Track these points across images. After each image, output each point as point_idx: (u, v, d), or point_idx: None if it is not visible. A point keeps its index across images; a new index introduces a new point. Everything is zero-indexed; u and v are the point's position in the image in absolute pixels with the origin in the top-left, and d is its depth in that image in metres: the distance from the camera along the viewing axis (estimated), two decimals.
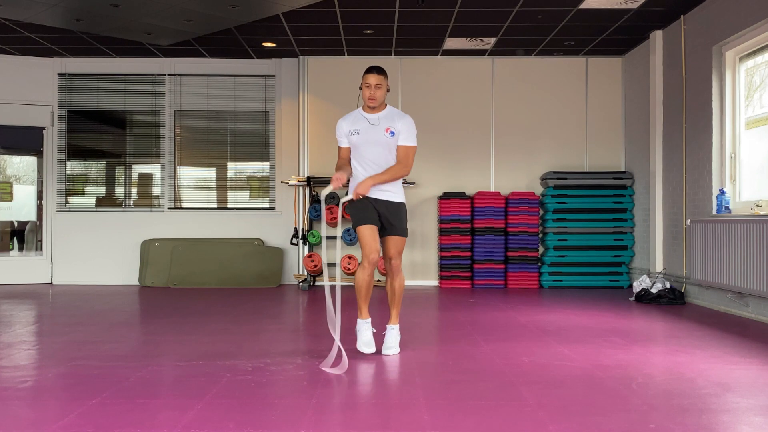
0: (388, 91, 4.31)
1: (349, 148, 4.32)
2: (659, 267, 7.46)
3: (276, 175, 8.94)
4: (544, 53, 8.58)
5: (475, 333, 4.97)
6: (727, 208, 6.17)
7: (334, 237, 8.53)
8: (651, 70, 7.64)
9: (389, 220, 4.24)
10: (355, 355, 4.13)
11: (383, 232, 4.28)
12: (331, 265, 8.49)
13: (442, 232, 8.39)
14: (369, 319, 4.27)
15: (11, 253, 9.31)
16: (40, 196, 9.19)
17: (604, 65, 8.74)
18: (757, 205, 5.83)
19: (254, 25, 7.37)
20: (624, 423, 2.83)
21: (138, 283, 8.78)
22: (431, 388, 3.44)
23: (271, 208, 8.98)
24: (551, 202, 8.30)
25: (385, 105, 4.33)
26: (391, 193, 4.25)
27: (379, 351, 4.24)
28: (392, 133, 4.21)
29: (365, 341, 4.20)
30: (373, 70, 4.24)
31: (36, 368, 3.91)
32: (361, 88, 4.25)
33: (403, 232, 4.29)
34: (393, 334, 4.32)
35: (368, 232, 4.19)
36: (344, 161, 4.34)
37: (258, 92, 9.00)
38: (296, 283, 8.68)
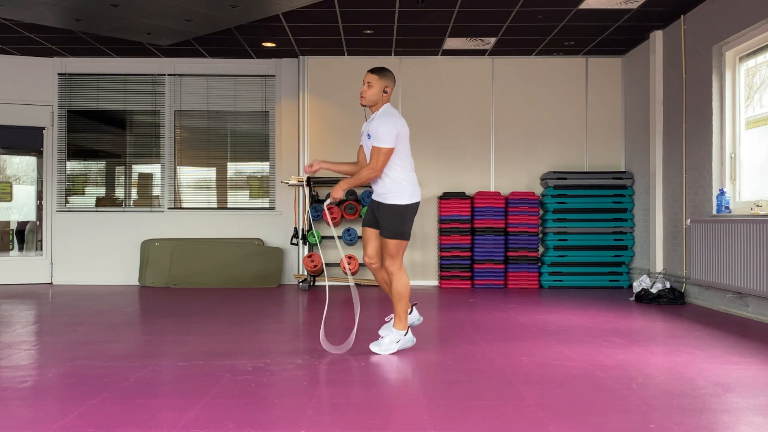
0: (386, 92, 4.27)
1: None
2: (659, 267, 7.46)
3: (276, 175, 8.93)
4: (544, 53, 8.58)
5: (475, 333, 4.97)
6: (727, 208, 6.17)
7: (333, 237, 8.51)
8: (651, 70, 7.64)
9: (379, 221, 4.27)
10: (355, 355, 4.14)
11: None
12: (331, 265, 8.50)
13: (442, 232, 8.38)
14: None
15: (11, 253, 9.31)
16: (40, 196, 9.19)
17: (604, 65, 8.74)
18: (757, 205, 5.83)
19: (254, 25, 7.37)
20: (624, 423, 2.83)
21: (138, 283, 8.78)
22: (431, 388, 3.44)
23: (271, 208, 8.98)
24: (551, 202, 8.30)
25: (381, 106, 4.30)
26: (380, 195, 4.27)
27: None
28: (369, 136, 4.22)
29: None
30: (371, 69, 4.33)
31: (36, 368, 3.91)
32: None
33: (388, 234, 4.18)
34: (385, 331, 4.30)
35: (365, 235, 4.36)
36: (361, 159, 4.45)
37: (258, 92, 9.00)
38: (296, 283, 8.68)
